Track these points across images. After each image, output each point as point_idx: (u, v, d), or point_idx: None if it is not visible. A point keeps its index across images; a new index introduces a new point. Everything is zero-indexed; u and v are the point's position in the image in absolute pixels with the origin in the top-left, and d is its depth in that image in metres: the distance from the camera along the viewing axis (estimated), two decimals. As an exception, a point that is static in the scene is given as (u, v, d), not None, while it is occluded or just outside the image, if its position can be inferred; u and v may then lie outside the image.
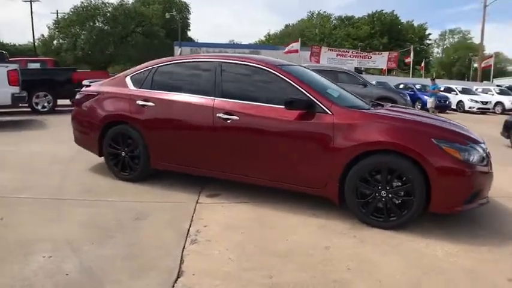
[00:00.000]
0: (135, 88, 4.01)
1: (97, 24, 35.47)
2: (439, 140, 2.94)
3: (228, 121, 3.43)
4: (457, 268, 2.53)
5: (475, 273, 2.47)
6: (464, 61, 57.98)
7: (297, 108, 3.17)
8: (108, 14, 35.60)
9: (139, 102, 3.87)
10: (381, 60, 21.72)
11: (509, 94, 19.09)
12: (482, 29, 25.00)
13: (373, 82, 14.28)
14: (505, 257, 2.71)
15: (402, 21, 51.86)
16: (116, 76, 4.50)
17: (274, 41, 57.15)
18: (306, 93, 3.27)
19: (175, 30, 40.45)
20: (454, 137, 3.04)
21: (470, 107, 17.53)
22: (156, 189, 3.85)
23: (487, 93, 19.38)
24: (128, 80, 4.11)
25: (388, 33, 50.90)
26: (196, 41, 33.32)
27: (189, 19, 45.02)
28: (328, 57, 20.99)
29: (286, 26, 61.82)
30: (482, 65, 27.17)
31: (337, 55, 21.40)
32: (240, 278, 2.30)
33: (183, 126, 3.71)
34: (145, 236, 2.82)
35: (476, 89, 20.25)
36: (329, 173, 3.15)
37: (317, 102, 3.20)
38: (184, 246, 2.67)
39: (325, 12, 58.45)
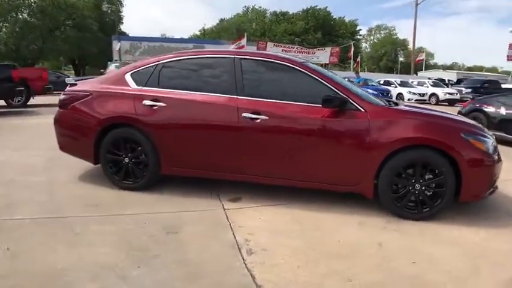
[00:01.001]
0: (138, 87, 3.61)
1: (22, 16, 31.61)
2: (466, 134, 3.11)
3: (257, 121, 3.26)
4: (498, 251, 2.72)
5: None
6: (390, 55, 63.01)
7: (334, 106, 3.12)
8: (34, 5, 31.88)
9: (147, 102, 3.50)
10: (324, 55, 22.63)
11: (441, 86, 21.20)
12: (415, 25, 27.29)
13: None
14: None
15: (334, 17, 54.56)
16: (111, 73, 4.01)
17: (211, 35, 56.51)
18: (337, 90, 3.23)
19: (108, 23, 37.83)
20: (475, 130, 3.24)
21: (409, 99, 19.12)
22: (168, 197, 3.53)
23: (422, 85, 21.28)
24: (128, 77, 3.69)
25: (322, 29, 53.28)
26: (128, 34, 31.34)
27: (121, 12, 42.35)
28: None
29: (221, 20, 61.48)
30: (416, 60, 29.66)
31: (282, 50, 21.72)
32: (322, 286, 2.21)
33: (201, 128, 3.43)
34: (192, 251, 2.56)
35: (412, 82, 22.12)
36: (365, 170, 3.17)
37: (350, 99, 3.19)
38: (243, 258, 2.48)
39: (260, 7, 59.28)
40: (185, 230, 2.88)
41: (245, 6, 60.92)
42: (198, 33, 60.76)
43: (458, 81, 26.36)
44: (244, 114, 3.29)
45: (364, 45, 70.98)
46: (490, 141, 3.24)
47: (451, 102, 18.83)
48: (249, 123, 3.28)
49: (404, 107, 3.54)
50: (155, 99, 3.49)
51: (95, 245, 2.58)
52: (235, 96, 3.36)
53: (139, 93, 3.56)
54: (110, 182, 3.74)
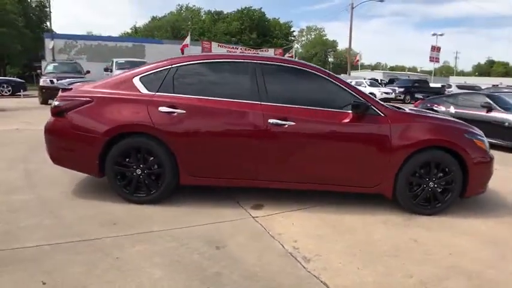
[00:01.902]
0: (150, 92, 3.37)
1: None
2: (468, 134, 3.48)
3: (284, 126, 3.26)
4: (508, 237, 3.11)
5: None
6: (321, 56, 66.36)
7: (362, 111, 3.26)
8: None
9: (163, 109, 3.29)
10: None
11: (377, 86, 22.91)
12: (351, 28, 28.94)
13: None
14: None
15: (269, 18, 55.74)
16: (115, 77, 3.65)
17: (144, 34, 54.11)
18: (358, 96, 3.38)
19: (34, 20, 34.03)
20: (474, 131, 3.63)
21: (380, 99, 20.36)
22: (188, 209, 3.37)
23: (360, 85, 22.79)
24: (137, 81, 3.42)
25: (257, 29, 54.06)
26: (55, 32, 28.46)
27: (47, 7, 38.37)
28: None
29: (154, 19, 59.16)
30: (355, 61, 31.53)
31: (228, 51, 21.73)
32: (390, 284, 2.32)
33: (225, 135, 3.33)
34: (252, 265, 2.48)
35: (350, 82, 23.50)
36: (386, 171, 3.37)
37: (372, 105, 3.35)
38: (304, 266, 2.49)
39: (194, 6, 58.25)
40: (229, 243, 2.78)
41: (179, 4, 59.38)
42: (129, 31, 57.67)
43: (391, 81, 28.68)
44: (270, 120, 3.27)
45: (296, 46, 73.94)
46: (486, 140, 3.66)
47: (386, 101, 20.49)
48: (275, 129, 3.27)
49: (413, 112, 3.82)
50: (173, 105, 3.29)
51: (146, 269, 2.36)
52: (259, 102, 3.32)
53: (153, 99, 3.32)
54: (114, 196, 3.45)
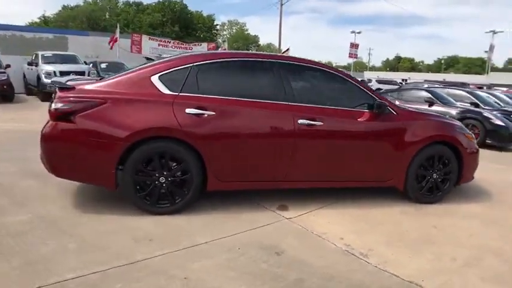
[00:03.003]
0: (172, 92, 3.10)
1: None
2: (461, 129, 3.93)
3: (313, 127, 3.30)
4: (503, 217, 3.61)
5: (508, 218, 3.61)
6: (243, 50, 67.00)
7: (382, 110, 3.45)
8: None
9: (191, 110, 3.06)
10: (201, 51, 22.56)
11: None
12: (280, 24, 29.49)
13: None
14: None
15: (191, 10, 54.42)
16: (125, 74, 3.24)
17: (56, 24, 48.50)
18: (374, 96, 3.57)
19: None
20: (462, 126, 4.10)
21: None
22: (218, 216, 3.20)
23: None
24: (156, 80, 3.11)
25: (179, 22, 52.44)
26: None
27: None
28: (150, 47, 19.82)
29: (65, 8, 53.37)
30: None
31: (158, 45, 20.52)
32: (445, 269, 2.56)
33: (255, 136, 3.25)
34: (325, 267, 2.49)
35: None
36: (400, 165, 3.64)
37: (388, 104, 3.58)
38: (368, 262, 2.59)
39: (109, -5, 53.93)
40: (284, 247, 2.74)
41: (95, -7, 54.41)
42: (37, 20, 50.99)
43: None
44: (300, 121, 3.27)
45: (219, 40, 73.68)
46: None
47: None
48: (305, 129, 3.29)
49: (415, 110, 4.16)
50: (201, 107, 3.08)
51: (229, 285, 2.21)
52: (288, 103, 3.29)
53: (178, 100, 3.07)
54: (123, 206, 3.15)
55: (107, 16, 47.15)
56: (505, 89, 19.71)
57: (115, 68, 14.87)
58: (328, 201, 3.69)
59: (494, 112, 8.31)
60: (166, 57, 3.67)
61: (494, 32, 37.54)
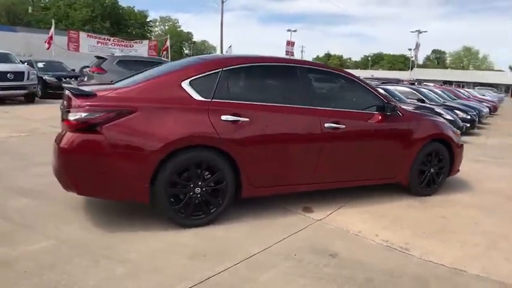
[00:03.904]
0: (205, 99, 2.98)
1: None
2: (450, 127, 4.37)
3: (337, 130, 3.42)
4: (495, 203, 4.11)
5: (498, 209, 4.10)
6: (176, 47, 65.33)
7: (394, 112, 3.70)
8: None
9: (227, 117, 2.98)
10: (142, 48, 21.51)
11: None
12: (221, 22, 29.24)
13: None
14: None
15: (123, 6, 51.62)
16: (148, 80, 3.01)
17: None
18: (383, 98, 3.81)
19: None
20: (450, 124, 4.54)
21: None
22: (252, 223, 3.18)
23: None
24: (187, 86, 2.97)
25: (110, 18, 49.48)
26: None
27: None
28: (88, 45, 18.48)
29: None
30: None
31: (97, 42, 19.20)
32: (473, 254, 2.87)
33: (287, 141, 3.29)
34: (382, 264, 2.62)
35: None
36: (405, 163, 3.94)
37: (398, 107, 3.85)
38: (413, 255, 2.79)
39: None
40: (333, 248, 2.82)
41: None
42: None
43: None
44: (326, 124, 3.37)
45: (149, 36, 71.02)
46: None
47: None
48: (330, 133, 3.40)
49: (414, 111, 4.50)
50: (236, 113, 3.02)
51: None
52: (313, 107, 3.38)
53: (213, 107, 2.97)
54: (150, 220, 3.00)
55: (30, 10, 42.53)
56: (432, 84, 21.88)
57: (53, 67, 13.65)
58: (344, 200, 3.84)
59: (441, 107, 9.28)
60: (189, 60, 3.55)
61: (419, 32, 41.61)
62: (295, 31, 49.35)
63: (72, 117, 2.71)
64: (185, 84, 2.97)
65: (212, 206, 3.06)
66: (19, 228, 2.86)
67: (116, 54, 12.48)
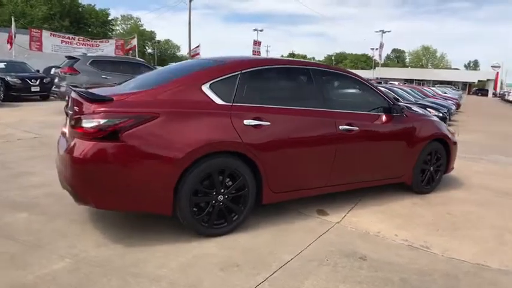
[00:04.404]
0: (225, 102, 2.90)
1: None
2: (446, 126, 4.55)
3: (350, 132, 3.45)
4: (496, 201, 4.32)
5: (493, 204, 4.34)
6: (139, 46, 63.60)
7: (402, 113, 3.79)
8: None
9: (249, 122, 2.91)
10: (109, 48, 20.66)
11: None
12: (189, 20, 28.71)
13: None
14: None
15: (83, 4, 49.31)
16: (168, 82, 2.87)
17: None
18: (388, 100, 3.90)
19: None
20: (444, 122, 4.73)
21: None
22: (271, 229, 3.13)
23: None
24: (207, 89, 2.87)
25: (69, 16, 47.14)
26: None
27: None
28: (52, 44, 17.50)
29: None
30: (192, 54, 31.48)
31: (62, 42, 18.18)
32: (488, 248, 3.02)
33: (306, 145, 3.27)
34: (412, 264, 2.68)
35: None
36: (410, 163, 4.06)
37: (405, 108, 3.95)
38: (436, 253, 2.87)
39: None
40: (360, 251, 2.84)
41: None
42: None
43: None
44: (341, 127, 3.39)
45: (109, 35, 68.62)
46: None
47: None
48: (344, 135, 3.43)
49: (415, 111, 4.61)
50: (257, 117, 2.96)
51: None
52: (329, 110, 3.38)
53: (234, 111, 2.89)
54: (165, 232, 2.88)
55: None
56: (396, 83, 22.80)
57: (16, 68, 12.81)
58: (352, 201, 3.90)
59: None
60: (201, 62, 3.45)
61: (383, 32, 43.17)
62: (261, 30, 49.59)
63: (87, 124, 2.53)
64: (205, 88, 2.87)
65: (234, 214, 2.98)
66: (27, 248, 2.62)
67: (88, 54, 11.88)
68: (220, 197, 2.87)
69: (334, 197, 3.83)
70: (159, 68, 4.00)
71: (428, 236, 3.17)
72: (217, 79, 2.93)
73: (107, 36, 47.12)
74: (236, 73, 3.02)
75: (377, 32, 43.99)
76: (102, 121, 2.51)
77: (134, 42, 22.34)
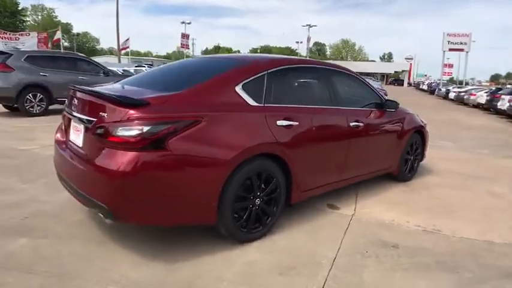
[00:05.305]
0: (258, 103, 2.85)
1: None
2: (419, 118, 5.03)
3: (358, 128, 3.66)
4: (467, 185, 4.89)
5: (466, 186, 4.94)
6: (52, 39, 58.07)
7: (396, 109, 4.09)
8: None
9: (281, 122, 2.91)
10: (30, 41, 18.41)
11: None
12: (117, 12, 26.83)
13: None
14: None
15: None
16: (201, 83, 2.70)
17: None
18: (381, 96, 4.18)
19: None
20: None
21: None
22: (295, 229, 3.19)
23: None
24: (241, 91, 2.79)
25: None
26: None
27: None
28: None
29: None
30: (122, 47, 29.51)
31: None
32: (495, 228, 3.44)
33: (327, 142, 3.39)
34: (439, 247, 2.95)
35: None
36: (398, 154, 4.43)
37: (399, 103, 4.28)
38: (449, 235, 3.20)
39: None
40: (389, 240, 3.04)
41: None
42: None
43: None
44: (352, 123, 3.57)
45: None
46: None
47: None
48: (354, 130, 3.62)
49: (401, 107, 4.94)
50: (288, 117, 2.97)
51: (416, 285, 2.40)
52: (339, 107, 3.54)
53: (267, 112, 2.87)
54: (210, 242, 2.80)
55: None
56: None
57: None
58: (352, 194, 4.10)
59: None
60: (223, 60, 3.35)
61: (309, 26, 45.12)
62: (189, 23, 48.50)
63: (126, 132, 2.29)
64: (239, 89, 2.78)
65: (267, 217, 2.97)
66: (56, 280, 2.29)
67: (22, 49, 10.48)
68: (258, 201, 2.84)
69: (336, 191, 3.99)
70: (164, 66, 3.74)
71: (433, 220, 3.50)
72: (248, 79, 2.87)
73: (18, 28, 41.96)
74: (263, 73, 2.98)
75: (304, 26, 46.03)
76: (145, 128, 2.29)
77: (59, 34, 20.21)
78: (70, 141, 2.88)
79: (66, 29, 70.61)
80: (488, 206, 4.01)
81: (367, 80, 4.64)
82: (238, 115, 2.71)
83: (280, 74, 3.14)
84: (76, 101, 2.77)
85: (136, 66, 26.66)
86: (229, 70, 2.94)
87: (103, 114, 2.41)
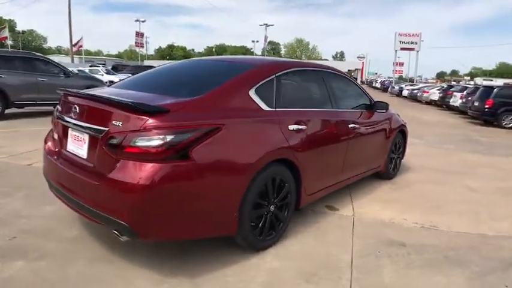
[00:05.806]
0: (270, 108, 2.81)
1: None
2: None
3: (355, 129, 3.75)
4: (445, 179, 5.17)
5: (443, 181, 5.24)
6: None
7: (386, 110, 4.25)
8: None
9: (293, 127, 2.90)
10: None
11: (114, 74, 22.10)
12: (69, 10, 25.23)
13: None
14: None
15: None
16: (215, 88, 2.59)
17: None
18: (369, 97, 4.34)
19: None
20: (395, 114, 5.43)
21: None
22: (303, 233, 3.21)
23: (96, 73, 21.09)
24: (254, 95, 2.73)
25: None
26: None
27: None
28: None
29: None
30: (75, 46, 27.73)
31: None
32: (485, 221, 3.68)
33: (331, 145, 3.43)
34: (444, 243, 3.09)
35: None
36: (386, 153, 4.60)
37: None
38: (447, 230, 3.37)
39: None
40: (396, 239, 3.14)
41: None
42: None
43: (114, 68, 28.08)
44: (350, 125, 3.66)
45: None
46: None
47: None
48: (352, 132, 3.71)
49: None
50: (298, 121, 2.97)
51: (443, 280, 2.50)
52: (339, 109, 3.61)
53: (279, 116, 2.84)
54: (221, 251, 2.75)
55: None
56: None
57: None
58: (346, 195, 4.19)
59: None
60: (226, 63, 3.32)
61: (266, 25, 45.54)
62: (144, 21, 46.74)
63: (147, 142, 2.14)
64: (252, 93, 2.73)
65: (279, 222, 2.94)
66: None
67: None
68: (272, 207, 2.81)
69: (331, 193, 4.08)
70: (164, 68, 3.55)
71: (427, 216, 3.69)
72: (260, 84, 2.81)
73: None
74: (272, 77, 2.94)
75: (261, 25, 46.43)
76: (168, 137, 2.16)
77: (5, 32, 18.56)
78: (68, 151, 2.65)
79: (10, 26, 65.10)
80: (468, 200, 4.29)
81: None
82: (255, 120, 2.67)
83: (287, 77, 3.13)
84: (76, 107, 2.55)
85: (90, 66, 25.28)
86: (241, 74, 2.87)
87: (117, 122, 2.23)
